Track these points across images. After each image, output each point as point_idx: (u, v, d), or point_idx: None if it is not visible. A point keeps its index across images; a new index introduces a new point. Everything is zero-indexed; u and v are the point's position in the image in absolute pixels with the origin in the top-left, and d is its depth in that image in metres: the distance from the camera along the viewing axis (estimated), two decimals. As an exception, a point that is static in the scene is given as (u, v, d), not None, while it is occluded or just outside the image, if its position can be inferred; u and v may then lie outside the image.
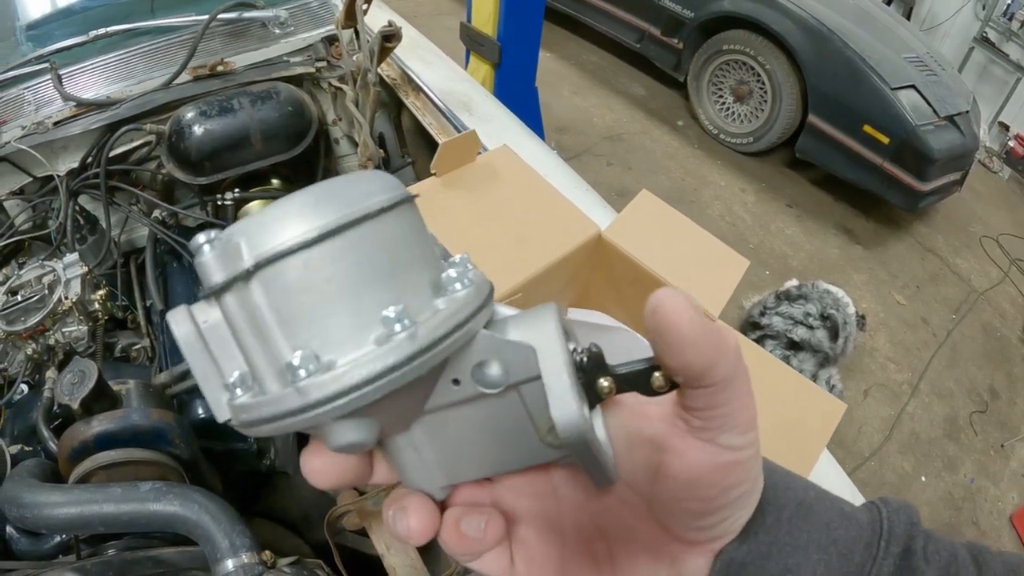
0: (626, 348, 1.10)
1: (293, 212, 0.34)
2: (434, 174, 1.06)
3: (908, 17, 6.74)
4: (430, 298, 0.36)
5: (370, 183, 0.37)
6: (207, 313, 0.37)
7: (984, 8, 6.33)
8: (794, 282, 3.59)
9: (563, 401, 0.35)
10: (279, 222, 0.34)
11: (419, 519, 0.42)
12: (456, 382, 0.37)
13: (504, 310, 0.39)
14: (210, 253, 0.34)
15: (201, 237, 0.35)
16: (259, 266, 0.33)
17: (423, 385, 0.37)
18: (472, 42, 3.69)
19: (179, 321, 0.37)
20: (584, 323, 1.16)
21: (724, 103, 5.20)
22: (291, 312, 0.34)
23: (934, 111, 4.27)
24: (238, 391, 0.36)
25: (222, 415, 0.37)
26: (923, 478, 3.40)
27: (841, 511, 0.46)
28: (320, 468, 0.40)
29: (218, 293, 0.35)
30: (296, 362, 0.32)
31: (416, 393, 0.37)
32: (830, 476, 1.28)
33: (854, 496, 1.26)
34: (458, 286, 0.36)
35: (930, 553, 0.46)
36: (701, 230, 1.15)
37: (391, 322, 0.33)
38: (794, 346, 3.25)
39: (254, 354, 0.35)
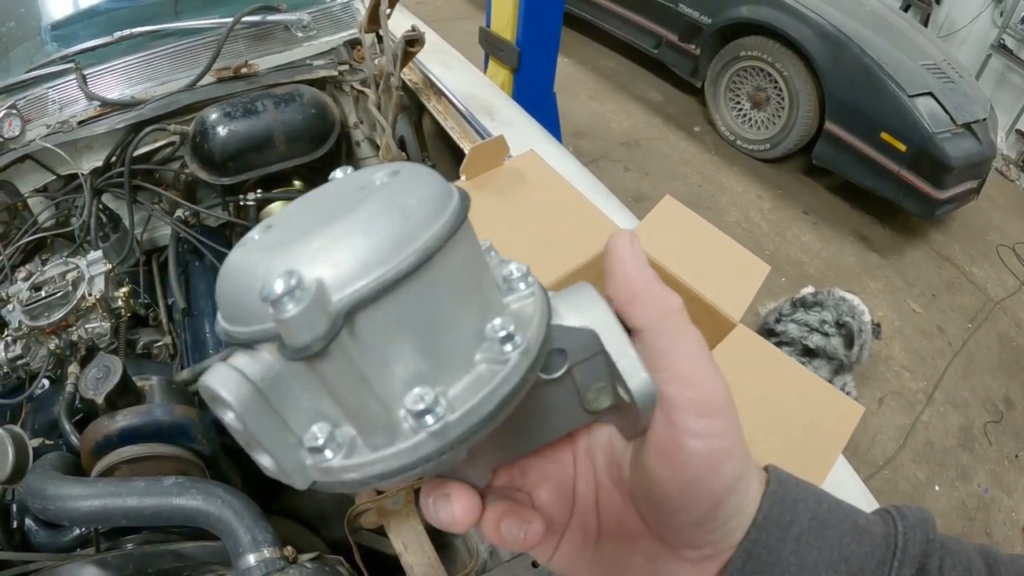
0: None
1: (368, 246, 0.31)
2: (461, 178, 1.08)
3: (925, 24, 6.70)
4: (504, 303, 0.36)
5: (430, 203, 0.34)
6: (255, 365, 0.32)
7: (1002, 15, 6.29)
8: (810, 289, 3.58)
9: (637, 373, 0.37)
10: (358, 257, 0.30)
11: (463, 506, 0.41)
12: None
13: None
14: (294, 310, 0.28)
15: (278, 284, 0.28)
16: (352, 311, 0.30)
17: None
18: (491, 47, 3.70)
19: (226, 382, 0.31)
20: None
21: (741, 109, 5.19)
22: (391, 352, 0.31)
23: (951, 118, 4.24)
24: (327, 452, 0.32)
25: (302, 481, 0.33)
26: (937, 487, 3.38)
27: (855, 525, 0.45)
28: (464, 515, 0.41)
29: (311, 356, 0.29)
30: (422, 406, 0.30)
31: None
32: (847, 483, 1.28)
33: (869, 504, 1.26)
34: (522, 286, 0.37)
35: (946, 570, 0.45)
36: (723, 235, 1.16)
37: (499, 340, 0.32)
38: (809, 353, 3.24)
39: (356, 405, 0.32)
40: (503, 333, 0.32)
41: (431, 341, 0.32)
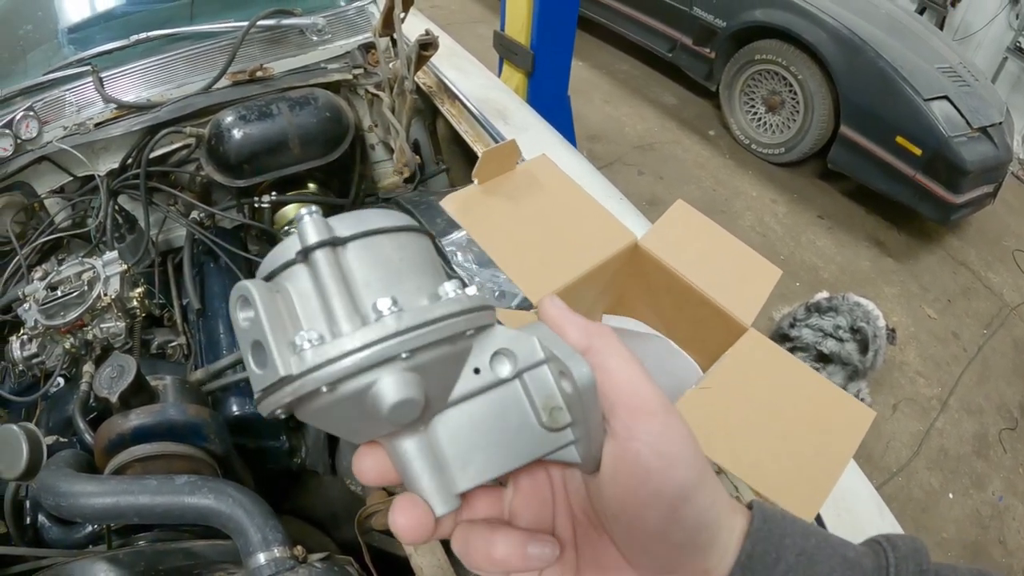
0: (659, 354, 1.11)
1: (375, 213, 0.43)
2: (474, 182, 1.09)
3: (941, 27, 6.67)
4: (424, 300, 0.42)
5: (393, 214, 0.45)
6: (269, 286, 0.41)
7: (1018, 18, 6.25)
8: (824, 294, 3.57)
9: (575, 361, 0.42)
10: (366, 215, 0.43)
11: (407, 518, 0.44)
12: (476, 371, 0.44)
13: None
14: (309, 220, 0.41)
15: (303, 211, 0.41)
16: (355, 237, 0.41)
17: (454, 368, 0.43)
18: (505, 50, 3.71)
19: (256, 287, 0.40)
20: (617, 329, 1.17)
21: (756, 113, 5.18)
22: (375, 274, 0.41)
23: (967, 122, 4.21)
24: (307, 347, 0.38)
25: (284, 369, 0.39)
26: (951, 495, 3.35)
27: (844, 559, 0.45)
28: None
29: (311, 249, 0.40)
30: (384, 305, 0.38)
31: (448, 374, 0.43)
32: (858, 489, 1.28)
33: (880, 511, 1.25)
34: (452, 294, 0.42)
35: None
36: (735, 239, 1.16)
37: (445, 291, 0.41)
38: (823, 359, 3.23)
39: (334, 304, 0.40)
40: (453, 292, 0.41)
41: (402, 278, 0.42)
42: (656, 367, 1.10)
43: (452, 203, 1.04)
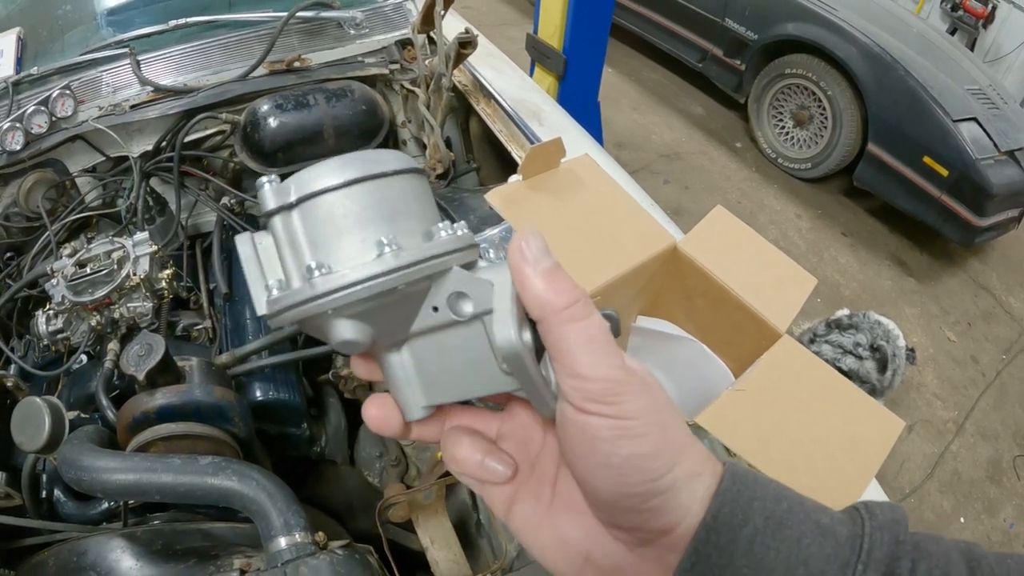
0: (690, 359, 1.11)
1: (329, 167, 0.46)
2: (518, 177, 1.09)
3: (972, 48, 6.63)
4: (419, 239, 0.47)
5: (388, 156, 0.48)
6: (263, 239, 0.49)
7: (1050, 42, 6.23)
8: (845, 311, 3.54)
9: (503, 323, 0.44)
10: (318, 173, 0.46)
11: (376, 410, 0.53)
12: (435, 309, 0.47)
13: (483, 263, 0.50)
14: (268, 189, 0.47)
15: (264, 178, 0.47)
16: (300, 200, 0.46)
17: (408, 307, 0.48)
18: (538, 53, 3.72)
19: (243, 242, 0.49)
20: (651, 331, 1.17)
21: (784, 127, 5.16)
22: (317, 235, 0.45)
23: (995, 145, 4.19)
24: (274, 291, 0.46)
25: (261, 309, 0.48)
26: (962, 519, 3.33)
27: (817, 524, 0.44)
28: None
29: (270, 215, 0.47)
30: (313, 265, 0.44)
31: (402, 312, 0.48)
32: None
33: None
34: (443, 234, 0.47)
35: (919, 574, 0.43)
36: (771, 247, 1.16)
37: (383, 245, 0.44)
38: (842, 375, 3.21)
39: (288, 261, 0.46)
40: (386, 242, 0.44)
41: (339, 237, 0.45)
42: (688, 371, 1.10)
43: (497, 197, 1.05)
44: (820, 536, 0.43)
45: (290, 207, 0.46)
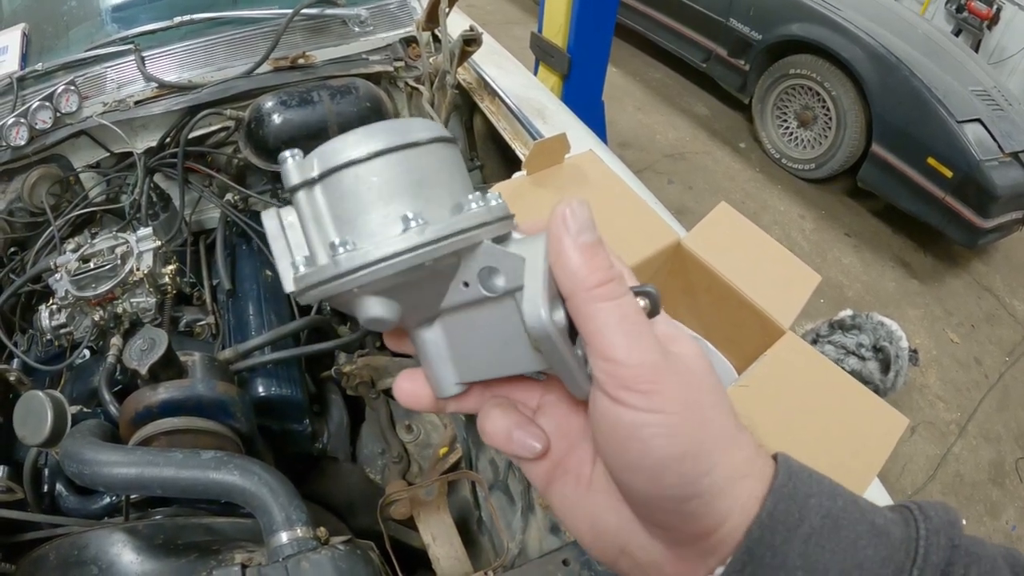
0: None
1: (352, 139, 0.44)
2: (523, 172, 1.09)
3: (976, 49, 6.62)
4: (447, 212, 0.45)
5: (417, 125, 0.46)
6: (289, 215, 0.48)
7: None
8: (848, 312, 3.53)
9: (533, 302, 0.42)
10: (343, 145, 0.44)
11: (408, 384, 0.52)
12: (466, 284, 0.45)
13: (518, 236, 0.48)
14: (292, 164, 0.46)
15: (287, 153, 0.46)
16: (323, 175, 0.44)
17: (438, 283, 0.46)
18: (542, 52, 3.72)
19: (269, 217, 0.49)
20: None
21: (788, 127, 5.16)
22: (342, 209, 0.44)
23: (999, 146, 4.18)
24: (301, 268, 0.45)
25: (288, 286, 0.47)
26: (964, 521, 3.29)
27: (872, 525, 0.41)
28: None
29: (294, 191, 0.46)
30: (337, 242, 0.42)
31: (433, 288, 0.46)
32: (879, 503, 1.27)
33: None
34: (474, 206, 0.44)
35: None
36: (775, 243, 1.17)
37: (408, 220, 0.42)
38: (844, 375, 3.20)
39: (313, 238, 0.45)
40: (411, 217, 0.42)
41: (365, 211, 0.44)
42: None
43: (502, 191, 1.05)
44: (875, 537, 0.41)
45: (313, 182, 0.45)
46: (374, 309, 0.44)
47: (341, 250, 0.42)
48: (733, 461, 0.42)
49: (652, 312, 0.44)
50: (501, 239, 0.46)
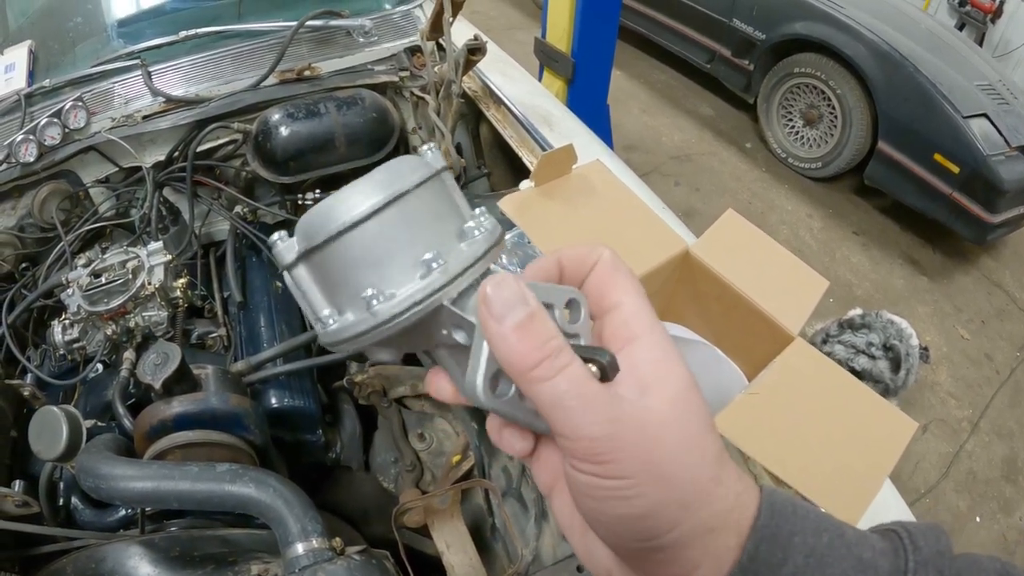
0: (704, 362, 1.11)
1: (355, 193, 0.46)
2: (531, 184, 1.10)
3: (980, 43, 6.58)
4: (456, 242, 0.48)
5: (401, 167, 0.48)
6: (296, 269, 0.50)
7: (1060, 36, 6.18)
8: (858, 311, 3.53)
9: (471, 378, 0.44)
10: (344, 204, 0.46)
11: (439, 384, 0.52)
12: (445, 331, 0.48)
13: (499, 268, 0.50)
14: (281, 247, 0.50)
15: (274, 237, 0.50)
16: (340, 234, 0.46)
17: (426, 329, 0.48)
18: (546, 57, 3.73)
19: (287, 275, 0.51)
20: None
21: (793, 127, 5.15)
22: (363, 261, 0.46)
23: (1006, 141, 4.16)
24: (331, 322, 0.48)
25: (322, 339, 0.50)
26: (978, 519, 3.31)
27: (859, 561, 0.41)
28: (443, 386, 0.51)
29: (291, 268, 0.50)
30: (369, 294, 0.45)
31: (423, 332, 0.48)
32: (892, 509, 1.27)
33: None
34: (476, 233, 0.48)
35: None
36: (783, 249, 1.17)
37: (429, 262, 0.45)
38: (855, 375, 3.18)
39: (340, 295, 0.48)
40: (431, 258, 0.45)
41: (387, 261, 0.46)
42: (701, 374, 1.10)
43: (510, 203, 1.05)
44: (862, 573, 0.41)
45: (306, 255, 0.49)
46: (376, 355, 0.49)
47: (375, 302, 0.45)
48: (703, 515, 0.41)
49: (604, 376, 0.42)
50: (481, 277, 0.47)
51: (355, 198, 0.46)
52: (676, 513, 0.40)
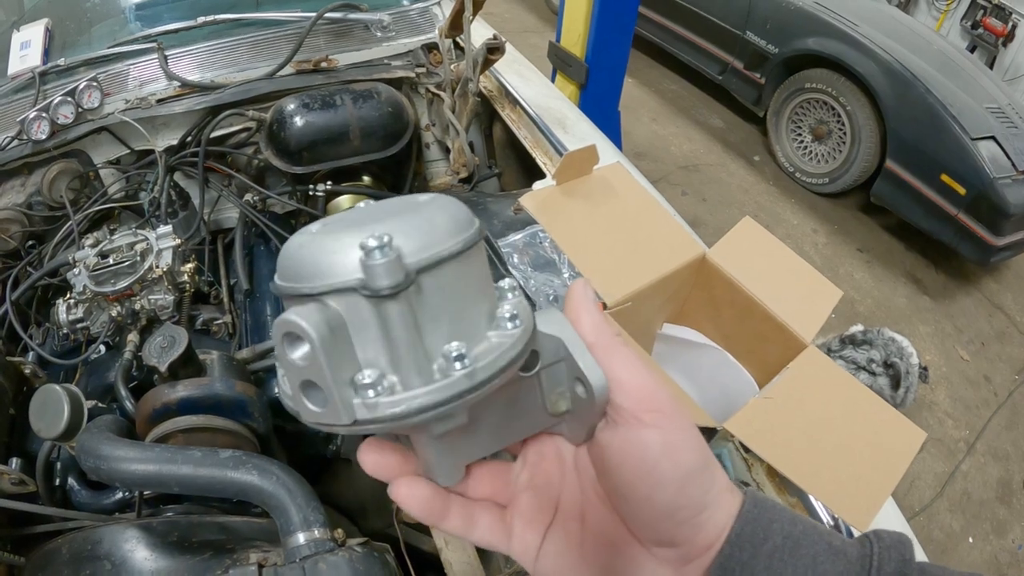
0: (714, 366, 1.11)
1: (441, 227, 0.40)
2: (552, 182, 1.10)
3: (991, 66, 6.61)
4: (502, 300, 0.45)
5: (457, 217, 0.43)
6: (327, 311, 0.38)
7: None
8: (860, 327, 3.53)
9: (595, 371, 0.45)
10: (444, 229, 0.40)
11: (409, 494, 0.48)
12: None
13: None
14: (382, 259, 0.36)
15: (373, 240, 0.36)
16: (426, 268, 0.38)
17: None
18: (560, 62, 3.73)
19: (309, 315, 0.37)
20: (676, 338, 1.18)
21: (802, 141, 5.15)
22: (443, 309, 0.40)
23: (1013, 164, 4.15)
24: (371, 392, 0.37)
25: (347, 416, 0.38)
26: (970, 539, 3.31)
27: (829, 545, 0.47)
28: (374, 461, 0.48)
29: (383, 297, 0.37)
30: (457, 353, 0.38)
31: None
32: (893, 521, 1.27)
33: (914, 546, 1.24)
34: (510, 295, 0.45)
35: None
36: (798, 258, 1.17)
37: (507, 318, 0.42)
38: (856, 389, 3.19)
39: (403, 352, 0.38)
40: (509, 314, 0.42)
41: (465, 309, 0.41)
42: (711, 378, 1.11)
43: (531, 201, 1.06)
44: (833, 555, 0.46)
45: (412, 281, 0.38)
46: (449, 423, 0.42)
47: (458, 366, 0.38)
48: (722, 476, 0.48)
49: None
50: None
51: (439, 232, 0.40)
52: (712, 474, 0.47)
